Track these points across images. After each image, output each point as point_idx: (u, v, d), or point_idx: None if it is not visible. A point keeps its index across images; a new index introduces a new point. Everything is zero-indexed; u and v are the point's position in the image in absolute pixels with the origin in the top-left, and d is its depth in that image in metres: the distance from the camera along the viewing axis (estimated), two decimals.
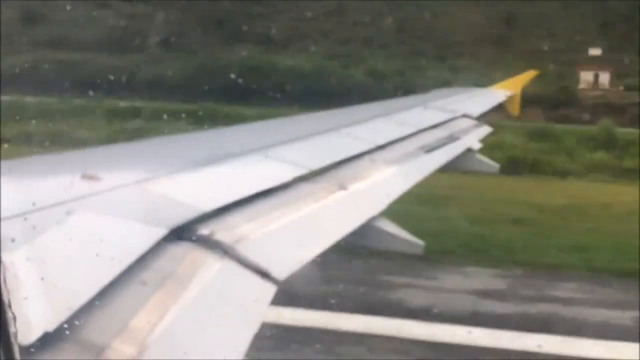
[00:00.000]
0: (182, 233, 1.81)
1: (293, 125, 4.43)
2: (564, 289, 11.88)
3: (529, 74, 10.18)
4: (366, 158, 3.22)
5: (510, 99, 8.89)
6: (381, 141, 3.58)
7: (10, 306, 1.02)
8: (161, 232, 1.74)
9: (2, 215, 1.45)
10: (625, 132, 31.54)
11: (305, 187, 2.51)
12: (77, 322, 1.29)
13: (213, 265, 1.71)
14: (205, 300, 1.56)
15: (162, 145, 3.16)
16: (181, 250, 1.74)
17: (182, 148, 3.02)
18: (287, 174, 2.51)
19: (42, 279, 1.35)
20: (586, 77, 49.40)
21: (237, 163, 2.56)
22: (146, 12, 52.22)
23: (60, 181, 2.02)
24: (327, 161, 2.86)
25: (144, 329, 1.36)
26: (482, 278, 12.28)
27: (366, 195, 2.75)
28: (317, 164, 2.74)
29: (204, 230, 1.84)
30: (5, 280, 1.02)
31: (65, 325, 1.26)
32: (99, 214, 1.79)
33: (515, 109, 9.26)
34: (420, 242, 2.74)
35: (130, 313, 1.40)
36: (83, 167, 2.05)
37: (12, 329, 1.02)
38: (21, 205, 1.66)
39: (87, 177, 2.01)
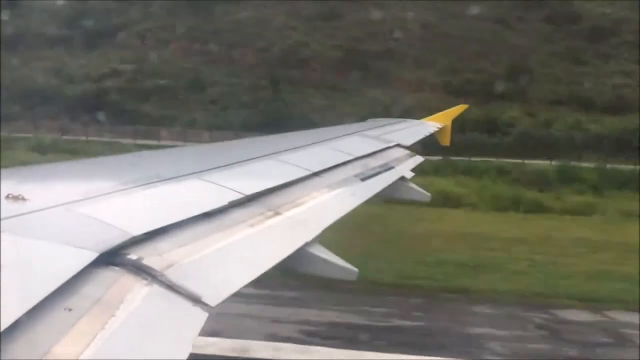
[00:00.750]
0: (111, 257, 1.76)
1: (229, 150, 4.41)
2: None
3: (459, 108, 10.70)
4: (301, 184, 3.24)
5: (441, 130, 9.30)
6: (317, 168, 3.61)
7: None
8: (89, 256, 1.69)
9: None
10: None
11: (239, 213, 2.50)
12: None
13: (142, 291, 1.67)
14: (133, 327, 1.52)
15: (94, 166, 3.07)
16: (109, 275, 1.69)
17: (115, 169, 2.95)
18: (221, 199, 2.50)
19: None
20: None
21: (170, 186, 2.52)
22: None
23: None
24: (263, 187, 2.86)
25: (66, 357, 1.32)
26: None
27: (301, 222, 2.76)
28: (252, 189, 2.74)
29: (133, 255, 1.80)
30: None
31: None
32: (23, 235, 1.73)
33: (446, 140, 9.72)
34: (354, 269, 2.77)
35: (52, 340, 1.35)
36: (9, 187, 1.97)
37: None
38: None
39: (12, 197, 1.93)
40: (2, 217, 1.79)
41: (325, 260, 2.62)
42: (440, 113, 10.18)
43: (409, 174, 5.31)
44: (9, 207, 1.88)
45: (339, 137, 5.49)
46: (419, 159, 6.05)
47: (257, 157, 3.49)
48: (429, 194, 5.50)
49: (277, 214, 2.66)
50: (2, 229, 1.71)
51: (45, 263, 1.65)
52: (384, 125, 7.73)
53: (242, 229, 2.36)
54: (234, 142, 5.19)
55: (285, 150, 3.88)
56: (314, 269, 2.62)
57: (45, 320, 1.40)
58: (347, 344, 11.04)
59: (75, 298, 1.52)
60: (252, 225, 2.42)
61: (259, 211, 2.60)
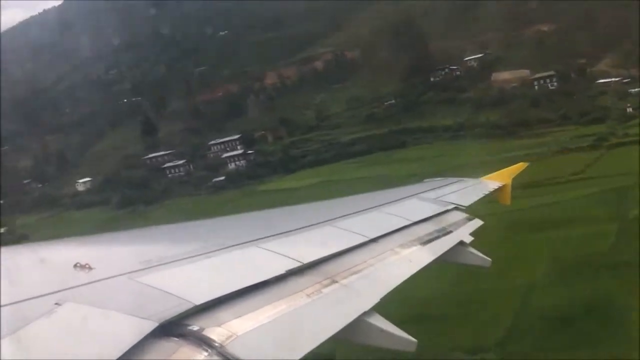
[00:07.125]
0: (171, 327, 1.78)
1: (286, 217, 4.44)
2: None
3: (519, 166, 10.40)
4: (358, 251, 3.22)
5: (501, 189, 9.03)
6: (374, 234, 3.58)
7: None
8: (150, 326, 1.72)
9: None
10: None
11: (297, 281, 2.50)
12: None
13: None
14: None
15: (157, 235, 3.16)
16: (169, 346, 1.71)
17: (177, 238, 3.02)
18: (280, 267, 2.51)
19: None
20: None
21: (230, 255, 2.56)
22: None
23: (54, 270, 2.02)
24: (320, 254, 2.86)
25: None
26: None
27: (358, 290, 2.73)
28: (309, 258, 2.74)
29: (193, 326, 1.82)
30: None
31: None
32: (88, 305, 1.78)
33: (506, 199, 9.43)
34: (413, 339, 2.69)
35: None
36: (79, 256, 2.05)
37: None
38: (12, 295, 1.65)
39: (80, 266, 2.01)
40: (69, 286, 1.86)
41: (382, 331, 2.56)
42: (500, 171, 9.89)
43: (468, 238, 5.17)
44: (76, 276, 1.95)
45: (396, 200, 5.44)
46: (478, 222, 5.90)
47: (314, 224, 3.50)
48: (489, 259, 5.33)
49: (334, 282, 2.65)
50: (67, 298, 1.77)
51: (107, 332, 1.68)
52: (442, 186, 7.61)
53: (299, 297, 2.35)
54: (292, 209, 5.23)
55: (342, 217, 3.88)
56: (371, 340, 2.56)
57: None
58: None
59: None
60: (309, 295, 2.41)
61: (317, 279, 2.59)
